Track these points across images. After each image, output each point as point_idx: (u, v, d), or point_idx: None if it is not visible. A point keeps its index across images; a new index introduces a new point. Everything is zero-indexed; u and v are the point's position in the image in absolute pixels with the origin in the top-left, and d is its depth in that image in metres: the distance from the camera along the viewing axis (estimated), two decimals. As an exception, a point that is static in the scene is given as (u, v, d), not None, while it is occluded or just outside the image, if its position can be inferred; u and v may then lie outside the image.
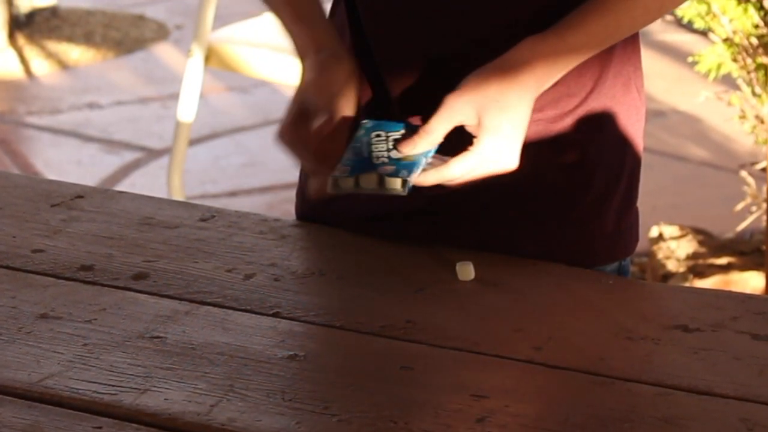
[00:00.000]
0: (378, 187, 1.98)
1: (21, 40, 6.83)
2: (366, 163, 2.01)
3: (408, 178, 1.98)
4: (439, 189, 2.02)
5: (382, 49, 2.16)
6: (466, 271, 2.04)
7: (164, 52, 6.80)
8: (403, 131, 2.04)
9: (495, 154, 1.99)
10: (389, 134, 2.04)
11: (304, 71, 2.09)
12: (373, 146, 2.03)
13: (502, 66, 2.00)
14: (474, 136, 1.99)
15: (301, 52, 2.12)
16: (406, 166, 1.99)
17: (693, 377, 1.80)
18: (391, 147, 2.02)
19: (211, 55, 4.63)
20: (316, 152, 2.04)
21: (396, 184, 1.98)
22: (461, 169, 1.99)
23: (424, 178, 2.00)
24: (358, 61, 2.15)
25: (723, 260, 4.26)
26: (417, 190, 2.00)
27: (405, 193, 1.98)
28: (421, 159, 2.00)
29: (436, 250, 2.10)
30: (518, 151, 2.00)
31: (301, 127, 2.06)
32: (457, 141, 2.02)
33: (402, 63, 2.14)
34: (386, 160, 2.00)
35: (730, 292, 2.05)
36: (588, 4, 2.05)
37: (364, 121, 2.06)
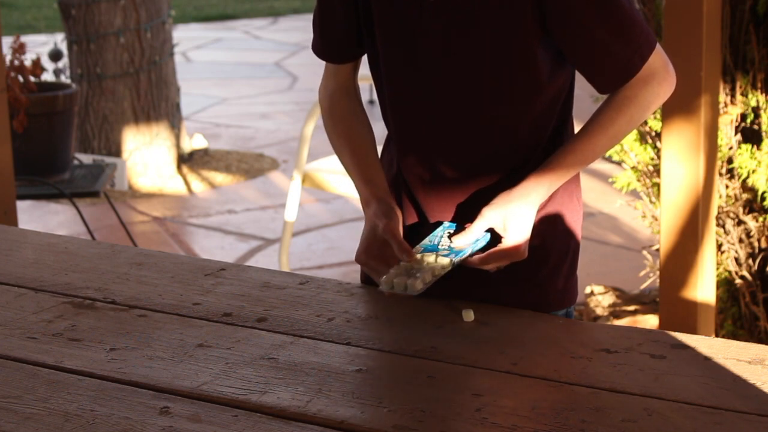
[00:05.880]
0: (433, 263, 1.98)
1: (185, 169, 6.85)
2: (433, 248, 2.01)
3: (454, 260, 1.98)
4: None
5: (409, 173, 2.15)
6: (469, 314, 2.02)
7: (276, 177, 6.81)
8: (455, 229, 2.04)
9: (514, 248, 1.99)
10: (446, 231, 2.04)
11: (367, 215, 2.09)
12: (442, 238, 2.03)
13: (519, 192, 2.00)
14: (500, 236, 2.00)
15: (364, 201, 2.12)
16: (456, 252, 1.99)
17: (612, 382, 1.79)
18: (447, 239, 2.02)
19: (305, 179, 4.64)
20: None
21: (445, 261, 1.97)
22: (494, 258, 1.99)
23: (470, 260, 2.00)
24: (403, 183, 2.15)
25: (632, 308, 4.23)
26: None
27: (450, 268, 1.98)
28: (467, 250, 1.99)
29: (449, 301, 2.09)
30: (527, 245, 2.00)
31: (372, 250, 2.05)
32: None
33: (425, 183, 2.14)
34: (446, 248, 2.01)
35: (637, 328, 2.03)
36: (573, 137, 2.05)
37: (445, 223, 2.07)
